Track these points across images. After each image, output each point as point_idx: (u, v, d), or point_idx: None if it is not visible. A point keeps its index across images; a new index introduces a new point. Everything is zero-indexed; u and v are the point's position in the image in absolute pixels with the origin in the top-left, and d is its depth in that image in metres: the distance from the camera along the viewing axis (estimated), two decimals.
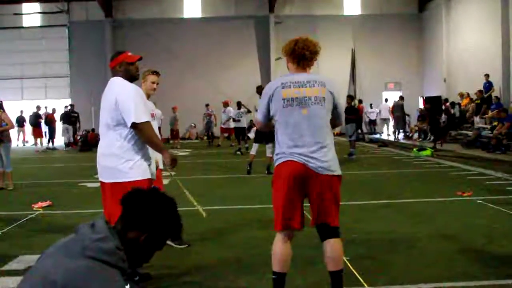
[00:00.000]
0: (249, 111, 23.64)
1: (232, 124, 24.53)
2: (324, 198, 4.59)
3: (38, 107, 30.33)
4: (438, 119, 24.38)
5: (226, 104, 25.47)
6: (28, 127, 32.90)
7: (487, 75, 24.69)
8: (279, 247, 4.63)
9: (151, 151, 5.33)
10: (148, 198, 2.63)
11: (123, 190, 4.92)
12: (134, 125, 4.98)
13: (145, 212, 2.57)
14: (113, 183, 5.05)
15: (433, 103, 24.23)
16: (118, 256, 2.45)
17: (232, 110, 24.75)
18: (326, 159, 4.59)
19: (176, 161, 5.36)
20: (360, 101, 28.87)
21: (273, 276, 4.66)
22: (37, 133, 29.61)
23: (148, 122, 5.06)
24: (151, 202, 2.61)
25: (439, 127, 24.31)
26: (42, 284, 2.30)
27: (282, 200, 4.59)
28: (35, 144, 29.52)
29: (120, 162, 5.04)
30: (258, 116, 4.89)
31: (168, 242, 7.00)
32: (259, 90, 15.25)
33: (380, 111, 32.54)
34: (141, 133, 5.05)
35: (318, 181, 4.55)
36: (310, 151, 4.56)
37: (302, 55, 4.75)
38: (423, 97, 33.53)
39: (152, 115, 7.03)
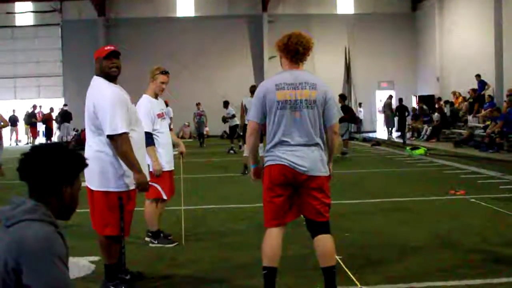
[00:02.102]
0: (233, 116, 23.18)
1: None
2: (312, 197, 4.66)
3: (34, 106, 30.20)
4: (405, 116, 25.76)
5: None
6: (21, 126, 32.92)
7: (478, 75, 24.74)
8: (268, 243, 4.72)
9: (141, 157, 5.12)
10: (37, 161, 2.65)
11: (111, 199, 4.94)
12: (109, 137, 4.82)
13: (48, 173, 2.63)
14: (101, 192, 4.94)
15: (402, 102, 26.49)
16: (40, 211, 2.56)
17: (171, 110, 24.84)
18: (314, 159, 4.66)
19: (144, 188, 5.14)
20: None
21: (264, 271, 4.72)
22: (33, 132, 29.51)
23: (124, 135, 4.83)
24: (43, 162, 2.64)
25: (404, 123, 25.66)
26: None
27: (271, 200, 4.69)
28: (32, 143, 29.41)
29: (109, 170, 4.93)
30: (252, 118, 4.82)
31: (160, 243, 7.02)
32: (253, 89, 15.20)
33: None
34: (115, 146, 4.85)
35: (306, 182, 4.62)
36: (299, 152, 4.63)
37: (296, 51, 4.76)
38: (416, 96, 33.65)
39: (162, 115, 6.96)
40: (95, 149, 4.97)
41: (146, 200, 6.97)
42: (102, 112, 4.82)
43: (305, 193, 4.67)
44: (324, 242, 4.69)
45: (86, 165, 2.80)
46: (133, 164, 4.94)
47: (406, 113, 26.03)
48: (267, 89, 4.71)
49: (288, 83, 4.68)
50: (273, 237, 4.71)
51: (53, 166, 2.64)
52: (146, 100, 6.79)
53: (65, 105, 31.24)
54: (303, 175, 4.61)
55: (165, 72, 6.90)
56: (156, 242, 7.07)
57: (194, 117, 27.74)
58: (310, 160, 4.64)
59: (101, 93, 4.92)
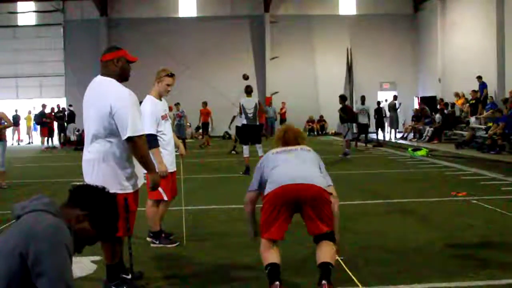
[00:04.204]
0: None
1: None
2: (316, 213, 4.85)
3: (44, 106, 30.18)
4: (382, 115, 27.37)
5: None
6: (23, 126, 33.05)
7: (479, 77, 24.69)
8: (265, 252, 4.91)
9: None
10: (93, 187, 2.97)
11: (117, 201, 4.92)
12: (130, 139, 4.81)
13: (87, 194, 2.89)
14: None
15: (380, 105, 28.56)
16: (54, 208, 2.70)
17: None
18: (313, 180, 4.92)
19: (157, 187, 5.27)
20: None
21: (267, 268, 4.82)
22: (43, 131, 29.52)
23: (143, 136, 4.91)
24: (94, 189, 2.94)
25: (382, 124, 27.39)
26: (5, 259, 2.49)
27: (267, 218, 4.91)
28: (42, 142, 29.44)
29: (116, 172, 4.93)
30: (250, 188, 5.47)
31: (161, 243, 7.04)
32: (247, 90, 15.20)
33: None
34: (134, 147, 4.88)
35: (308, 198, 4.82)
36: (299, 177, 4.92)
37: (293, 139, 5.53)
38: (418, 97, 33.62)
39: (166, 116, 6.98)
40: (101, 150, 4.93)
41: (148, 201, 6.99)
42: (121, 114, 4.79)
43: (307, 210, 4.84)
44: (325, 248, 4.84)
45: (114, 234, 3.12)
46: (149, 165, 5.05)
47: (384, 115, 27.49)
48: (264, 158, 5.39)
49: (283, 148, 5.43)
50: (269, 248, 4.91)
51: (100, 205, 2.88)
52: (151, 101, 6.80)
53: (70, 105, 31.37)
54: (304, 186, 4.84)
55: (171, 75, 6.90)
56: (157, 242, 7.08)
57: (173, 120, 24.84)
58: (310, 180, 4.88)
59: (119, 94, 4.90)
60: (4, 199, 11.50)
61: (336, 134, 32.92)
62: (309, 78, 35.44)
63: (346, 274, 5.52)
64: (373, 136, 27.10)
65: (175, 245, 7.05)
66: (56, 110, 30.79)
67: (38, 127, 30.69)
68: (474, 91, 24.83)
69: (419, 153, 19.39)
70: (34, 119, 31.12)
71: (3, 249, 2.49)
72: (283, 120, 34.29)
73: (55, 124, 30.57)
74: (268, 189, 4.94)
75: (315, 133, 35.24)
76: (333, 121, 33.22)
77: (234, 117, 23.45)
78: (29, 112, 33.58)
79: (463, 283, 5.36)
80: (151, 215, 7.05)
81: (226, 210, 9.64)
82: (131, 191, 5.06)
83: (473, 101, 24.74)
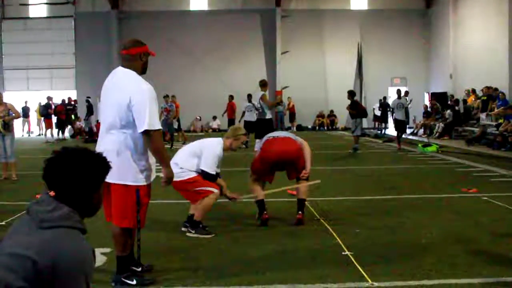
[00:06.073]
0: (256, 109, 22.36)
1: None
2: (294, 167, 7.83)
3: (49, 98, 30.16)
4: (387, 110, 28.53)
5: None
6: (33, 118, 33.11)
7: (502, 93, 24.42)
8: (256, 186, 7.89)
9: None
10: (62, 163, 2.68)
11: (130, 193, 4.96)
12: (146, 132, 4.87)
13: (79, 187, 2.66)
14: (120, 185, 4.94)
15: (386, 100, 30.50)
16: (74, 219, 2.60)
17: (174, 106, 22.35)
18: (286, 134, 8.44)
19: (171, 181, 5.28)
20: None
21: (257, 202, 7.81)
22: (48, 124, 29.52)
23: (159, 131, 4.97)
24: (66, 167, 2.66)
25: (386, 118, 28.64)
26: (16, 264, 2.39)
27: (260, 168, 7.92)
28: (45, 134, 29.45)
29: (130, 164, 4.96)
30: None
31: (197, 233, 7.09)
32: (262, 83, 15.23)
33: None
34: (150, 141, 4.93)
35: (286, 160, 7.77)
36: (279, 135, 8.29)
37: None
38: (429, 93, 33.47)
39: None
40: (116, 142, 4.97)
41: (206, 198, 7.15)
42: (139, 107, 4.86)
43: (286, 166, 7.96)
44: (302, 189, 7.80)
45: (110, 167, 2.82)
46: (164, 159, 5.12)
47: (388, 109, 28.12)
48: None
49: None
50: (258, 183, 7.88)
51: (83, 178, 2.66)
52: (222, 147, 7.30)
53: (88, 97, 31.32)
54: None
55: (246, 134, 8.00)
56: (193, 231, 7.16)
57: (161, 114, 21.87)
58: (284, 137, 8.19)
59: (139, 88, 4.97)
60: (14, 189, 11.56)
61: (346, 129, 32.84)
62: (320, 72, 35.33)
63: (357, 269, 5.52)
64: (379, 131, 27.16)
65: (211, 236, 7.15)
66: (66, 102, 30.74)
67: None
68: (487, 87, 24.61)
69: (430, 149, 19.34)
70: (40, 111, 31.10)
71: (21, 253, 2.41)
72: (292, 114, 34.27)
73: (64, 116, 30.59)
74: (262, 144, 8.05)
75: (325, 128, 35.18)
76: (343, 116, 33.14)
77: (244, 112, 23.14)
78: (39, 104, 33.63)
79: (473, 279, 5.33)
80: (208, 207, 7.19)
81: (238, 203, 9.61)
82: (144, 183, 5.08)
83: (485, 98, 24.58)
